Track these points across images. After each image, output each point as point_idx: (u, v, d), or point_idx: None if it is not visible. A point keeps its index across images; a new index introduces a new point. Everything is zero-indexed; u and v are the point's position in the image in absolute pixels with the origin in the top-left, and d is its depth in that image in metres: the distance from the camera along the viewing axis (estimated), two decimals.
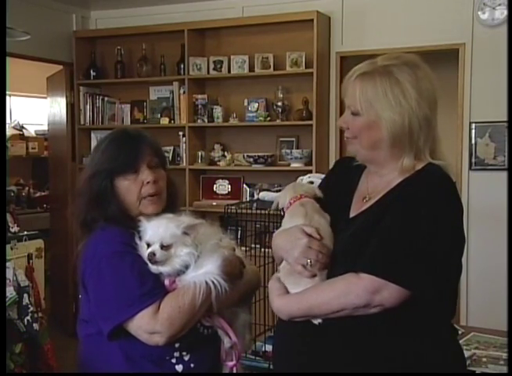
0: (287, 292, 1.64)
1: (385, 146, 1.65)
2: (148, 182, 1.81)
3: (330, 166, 2.07)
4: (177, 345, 1.72)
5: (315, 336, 1.62)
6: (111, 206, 1.80)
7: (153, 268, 1.69)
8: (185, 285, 1.69)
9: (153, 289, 1.68)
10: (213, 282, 1.68)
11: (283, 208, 1.79)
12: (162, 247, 1.68)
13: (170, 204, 1.89)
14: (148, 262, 1.68)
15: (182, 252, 1.69)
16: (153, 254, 1.67)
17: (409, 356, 1.59)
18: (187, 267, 1.70)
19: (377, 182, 1.72)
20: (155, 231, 1.69)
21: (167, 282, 1.70)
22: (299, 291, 1.61)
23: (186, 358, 1.75)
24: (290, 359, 1.68)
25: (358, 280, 1.53)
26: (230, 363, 1.84)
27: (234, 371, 1.84)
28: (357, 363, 1.58)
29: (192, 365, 1.75)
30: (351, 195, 1.76)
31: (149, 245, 1.69)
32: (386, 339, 1.58)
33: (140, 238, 1.73)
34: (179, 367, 1.74)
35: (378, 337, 1.58)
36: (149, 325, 1.64)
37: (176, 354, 1.73)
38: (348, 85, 1.69)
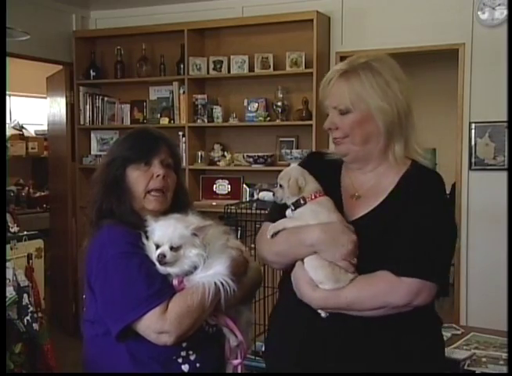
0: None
1: (378, 138, 1.71)
2: (158, 176, 1.83)
3: None
4: (184, 345, 1.73)
5: (323, 334, 1.65)
6: (123, 196, 1.81)
7: (162, 269, 1.69)
8: (194, 285, 1.70)
9: (161, 289, 1.68)
10: (222, 283, 1.69)
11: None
12: (171, 248, 1.68)
13: (178, 208, 1.87)
14: (157, 263, 1.68)
15: (191, 253, 1.70)
16: (163, 255, 1.67)
17: (405, 346, 1.64)
18: (195, 268, 1.70)
19: (364, 179, 1.76)
20: (164, 232, 1.69)
21: (175, 282, 1.71)
22: (336, 286, 1.62)
23: (192, 357, 1.76)
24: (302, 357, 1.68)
25: (400, 283, 1.58)
26: (235, 361, 1.85)
27: (239, 369, 1.86)
28: (355, 356, 1.62)
29: (198, 364, 1.76)
30: (338, 192, 1.78)
31: (157, 246, 1.69)
32: (386, 331, 1.62)
33: (147, 238, 1.73)
34: (185, 367, 1.75)
35: (377, 329, 1.62)
36: (157, 325, 1.65)
37: (183, 353, 1.74)
38: (331, 87, 1.72)
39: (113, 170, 1.83)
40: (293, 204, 1.71)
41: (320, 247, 1.63)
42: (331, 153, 1.85)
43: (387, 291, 1.59)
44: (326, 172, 1.79)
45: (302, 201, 1.70)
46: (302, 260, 1.68)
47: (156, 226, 1.72)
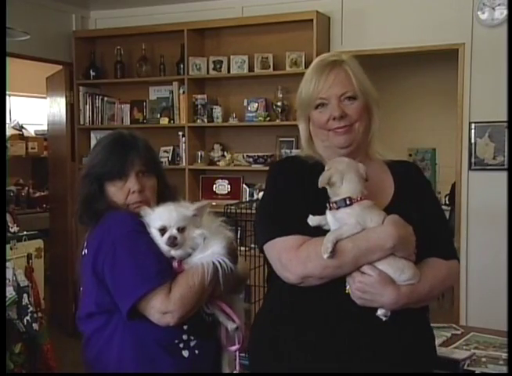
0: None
1: (373, 126, 1.77)
2: (133, 192, 1.84)
3: None
4: (185, 328, 1.77)
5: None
6: (101, 207, 1.83)
7: (166, 251, 1.75)
8: (194, 266, 1.75)
9: (167, 268, 1.74)
10: (219, 262, 1.75)
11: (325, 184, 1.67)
12: (178, 229, 1.74)
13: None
14: (166, 246, 1.74)
15: (195, 233, 1.77)
16: (174, 237, 1.73)
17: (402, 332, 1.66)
18: (194, 249, 1.77)
19: None
20: (168, 216, 1.75)
21: (175, 264, 1.76)
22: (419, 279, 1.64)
23: (192, 343, 1.80)
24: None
25: (451, 265, 1.73)
26: (233, 348, 1.89)
27: (237, 355, 1.90)
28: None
29: (196, 351, 1.80)
30: None
31: (164, 230, 1.74)
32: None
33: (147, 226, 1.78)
34: (185, 353, 1.79)
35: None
36: (162, 305, 1.69)
37: (184, 337, 1.78)
38: (335, 75, 1.71)
39: (88, 184, 1.86)
40: (335, 202, 1.62)
41: (400, 246, 1.59)
42: (300, 155, 1.83)
43: (447, 275, 1.71)
44: (314, 174, 1.68)
45: (348, 202, 1.61)
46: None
47: (157, 213, 1.77)
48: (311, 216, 1.64)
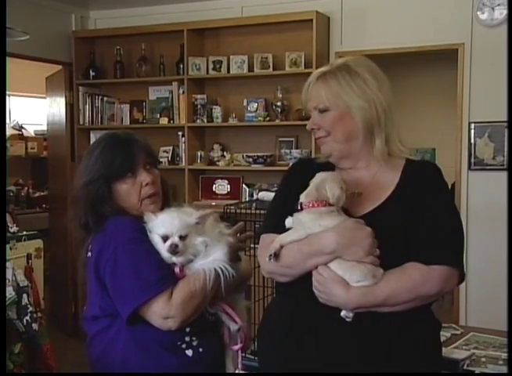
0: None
1: (359, 135, 1.75)
2: (147, 184, 1.85)
3: None
4: (188, 330, 1.78)
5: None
6: (108, 208, 1.83)
7: (167, 258, 1.76)
8: (195, 272, 1.77)
9: (168, 275, 1.75)
10: (221, 269, 1.77)
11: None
12: (180, 237, 1.75)
13: (164, 201, 1.92)
14: (169, 254, 1.75)
15: (197, 241, 1.78)
16: (175, 245, 1.74)
17: (404, 348, 1.64)
18: (196, 256, 1.78)
19: (359, 176, 1.77)
20: (170, 223, 1.76)
21: (177, 270, 1.77)
22: (375, 281, 1.61)
23: (195, 343, 1.81)
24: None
25: (432, 271, 1.62)
26: (236, 347, 1.91)
27: (239, 354, 1.91)
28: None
29: (200, 349, 1.81)
30: None
31: (166, 238, 1.75)
32: (388, 334, 1.63)
33: (149, 231, 1.79)
34: (189, 352, 1.80)
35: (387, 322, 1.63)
36: (164, 310, 1.70)
37: (187, 338, 1.79)
38: (311, 89, 1.78)
39: (94, 188, 1.84)
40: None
41: (342, 251, 1.61)
42: (319, 157, 1.88)
43: (421, 281, 1.61)
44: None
45: (299, 207, 1.68)
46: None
47: (160, 220, 1.78)
48: (289, 218, 1.71)
